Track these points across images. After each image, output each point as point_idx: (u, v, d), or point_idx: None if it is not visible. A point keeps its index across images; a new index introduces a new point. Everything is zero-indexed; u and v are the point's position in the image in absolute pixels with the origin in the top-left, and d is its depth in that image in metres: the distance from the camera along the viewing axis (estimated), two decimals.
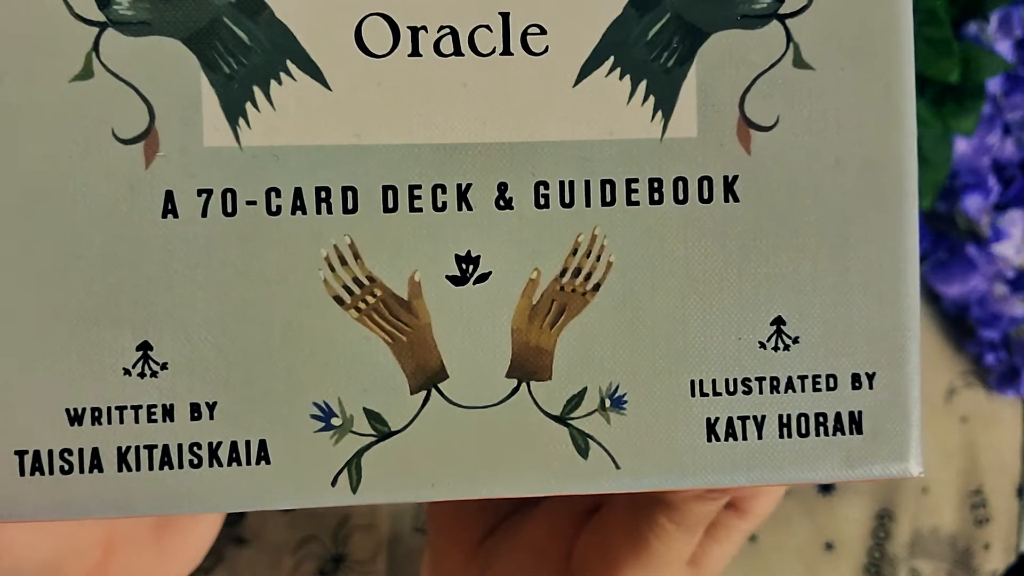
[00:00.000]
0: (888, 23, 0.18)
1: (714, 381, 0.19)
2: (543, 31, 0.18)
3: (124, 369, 0.18)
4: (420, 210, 0.18)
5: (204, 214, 0.18)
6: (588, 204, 0.19)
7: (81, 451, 0.18)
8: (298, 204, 0.18)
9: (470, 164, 0.18)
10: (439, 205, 0.18)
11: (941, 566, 0.68)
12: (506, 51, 0.18)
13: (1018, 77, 0.64)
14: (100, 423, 0.18)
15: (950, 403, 0.69)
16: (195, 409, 0.18)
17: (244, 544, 0.63)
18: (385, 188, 0.18)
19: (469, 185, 0.18)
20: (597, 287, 0.19)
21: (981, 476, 0.69)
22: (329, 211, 0.18)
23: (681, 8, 0.18)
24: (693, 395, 0.19)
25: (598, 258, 0.19)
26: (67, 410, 0.18)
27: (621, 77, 0.18)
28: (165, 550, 0.29)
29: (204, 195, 0.18)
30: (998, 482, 0.69)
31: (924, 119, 0.60)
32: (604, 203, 0.19)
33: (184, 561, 0.30)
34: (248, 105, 0.18)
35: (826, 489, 0.67)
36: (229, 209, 0.18)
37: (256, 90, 0.18)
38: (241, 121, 0.18)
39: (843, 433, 0.19)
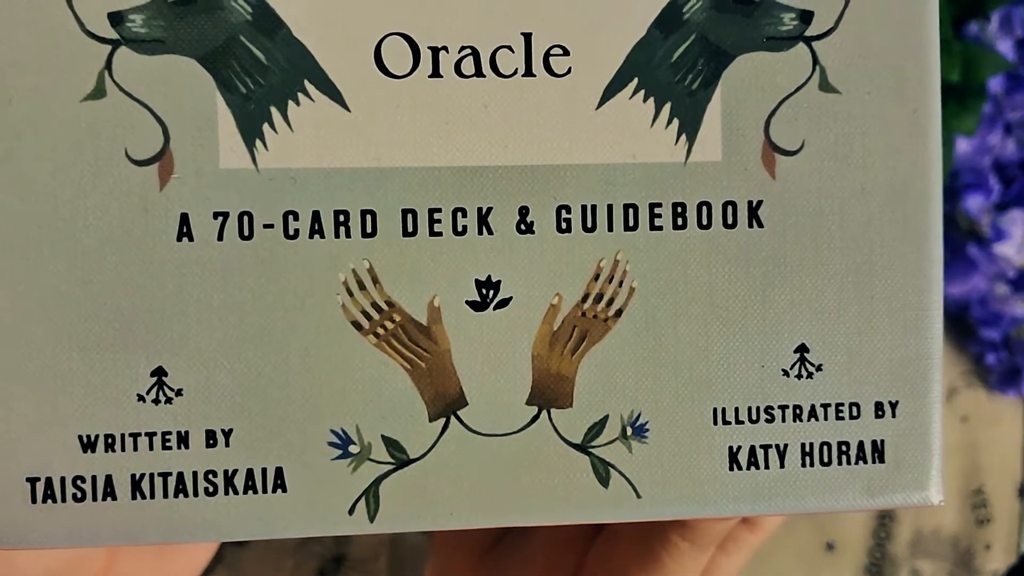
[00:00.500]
0: (917, 48, 0.18)
1: (737, 409, 0.19)
2: (566, 52, 0.18)
3: (138, 395, 0.18)
4: (440, 234, 0.18)
5: (220, 237, 0.18)
6: (611, 229, 0.18)
7: (94, 478, 0.18)
8: (316, 228, 0.18)
9: (491, 187, 0.18)
10: (459, 229, 0.18)
11: (942, 566, 0.68)
12: (528, 72, 0.18)
13: (1019, 76, 0.64)
14: (114, 450, 0.18)
15: (951, 403, 0.69)
16: (210, 436, 0.18)
17: (245, 544, 0.63)
18: (404, 212, 0.18)
19: (490, 209, 0.18)
20: (619, 313, 0.18)
21: (982, 476, 0.69)
22: (348, 235, 0.18)
23: (706, 30, 0.18)
24: (716, 423, 0.19)
25: (620, 284, 0.18)
26: (80, 437, 0.18)
27: (645, 99, 0.18)
28: (167, 558, 0.29)
29: (220, 218, 0.18)
30: (999, 482, 0.69)
31: None
32: (627, 228, 0.18)
33: (188, 569, 0.30)
34: (265, 126, 0.18)
35: None
36: (246, 232, 0.18)
37: (273, 111, 0.18)
38: (258, 142, 0.18)
39: (865, 462, 0.19)
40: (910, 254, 0.19)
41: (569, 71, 0.18)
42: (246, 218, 0.18)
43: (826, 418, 0.19)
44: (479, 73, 0.18)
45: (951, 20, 0.57)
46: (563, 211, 0.18)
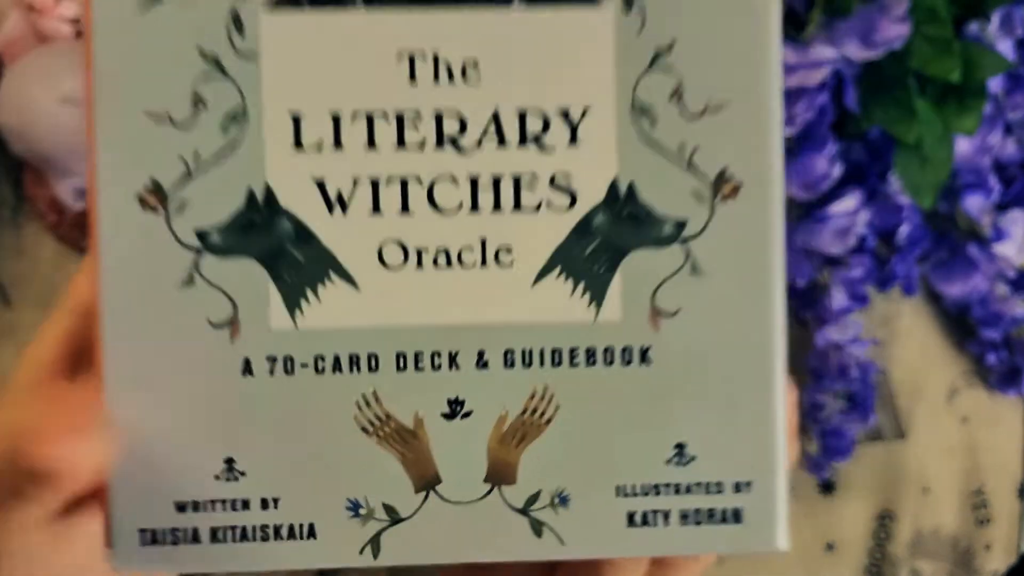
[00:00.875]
0: (762, 245, 0.26)
1: (633, 486, 0.27)
2: (510, 251, 0.26)
3: (215, 475, 0.27)
4: (422, 369, 0.27)
5: (271, 373, 0.27)
6: (542, 365, 0.27)
7: (185, 530, 0.27)
8: (337, 366, 0.27)
9: (458, 338, 0.27)
10: (436, 365, 0.27)
11: (942, 567, 0.68)
12: (483, 264, 0.26)
13: (1019, 76, 0.64)
14: (198, 511, 0.27)
15: (951, 403, 0.69)
16: (265, 503, 0.27)
17: None
18: (398, 354, 0.27)
19: (458, 352, 0.26)
20: (549, 421, 0.27)
21: (982, 476, 0.69)
22: (358, 371, 0.27)
23: (609, 234, 0.26)
24: (618, 496, 0.27)
25: (549, 402, 0.27)
26: (175, 502, 0.27)
27: (566, 280, 0.26)
28: None
29: (271, 361, 0.27)
30: (999, 482, 0.69)
31: (925, 118, 0.60)
32: (553, 364, 0.27)
33: None
34: (302, 300, 0.27)
35: (827, 490, 0.67)
36: (288, 370, 0.27)
37: (307, 291, 0.27)
38: (297, 311, 0.27)
39: (727, 523, 0.27)
40: (759, 385, 0.27)
41: (512, 263, 0.27)
42: (289, 361, 0.27)
43: (698, 493, 0.27)
44: (448, 265, 0.26)
45: (951, 20, 0.57)
46: (509, 353, 0.27)
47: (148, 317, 0.26)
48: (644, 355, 0.27)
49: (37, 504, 0.25)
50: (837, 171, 0.60)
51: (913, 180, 0.61)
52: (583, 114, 0.25)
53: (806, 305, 0.65)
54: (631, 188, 0.26)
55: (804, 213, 0.63)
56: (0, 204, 0.62)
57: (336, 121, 0.25)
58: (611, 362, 0.27)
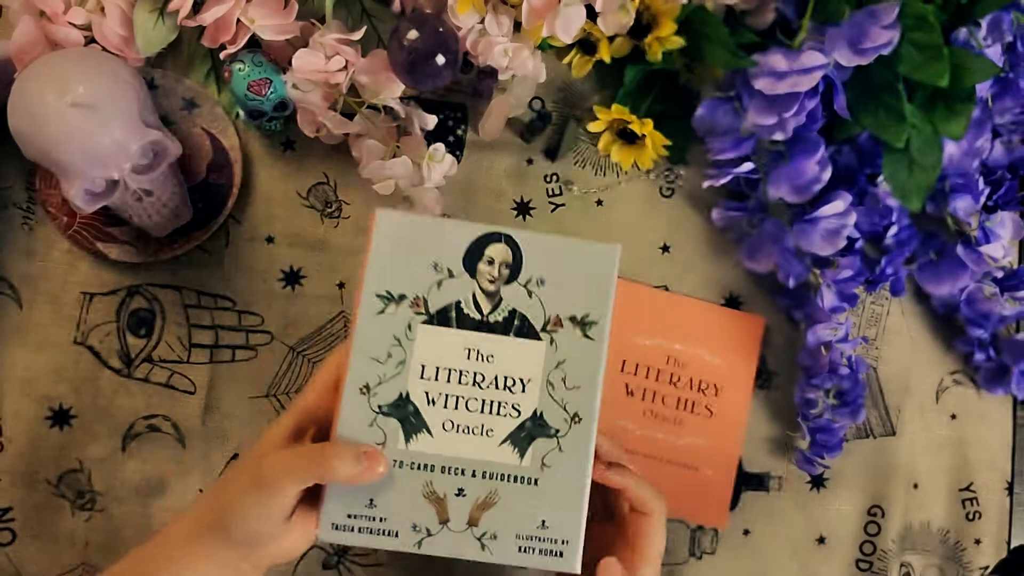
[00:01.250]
0: (585, 456, 0.52)
1: (519, 535, 0.51)
2: (491, 432, 0.52)
3: (364, 504, 0.52)
4: (448, 474, 0.51)
5: (401, 466, 0.51)
6: (496, 479, 0.51)
7: (352, 526, 0.51)
8: (418, 467, 0.51)
9: (465, 464, 0.51)
10: (453, 472, 0.51)
11: (932, 560, 0.69)
12: (482, 434, 0.52)
13: (1007, 81, 0.64)
14: (352, 519, 0.51)
15: (940, 400, 0.69)
16: (382, 519, 0.51)
17: None
18: (441, 468, 0.52)
19: (463, 470, 0.51)
20: (494, 504, 0.51)
21: (971, 472, 0.70)
22: (425, 470, 0.52)
23: (530, 431, 0.51)
24: (517, 539, 0.51)
25: (496, 493, 0.51)
26: (347, 514, 0.51)
27: (511, 446, 0.51)
28: (275, 542, 0.50)
29: (398, 464, 0.51)
30: (988, 478, 0.70)
31: (914, 122, 0.61)
32: (499, 479, 0.51)
33: (287, 553, 0.52)
34: (413, 436, 0.51)
35: (818, 484, 0.68)
36: (401, 465, 0.51)
37: (413, 433, 0.52)
38: (411, 440, 0.51)
39: (557, 557, 0.51)
40: (581, 498, 0.51)
41: (491, 433, 0.51)
42: (401, 463, 0.52)
43: (548, 543, 0.51)
44: (466, 432, 0.52)
45: (941, 26, 0.58)
46: (483, 473, 0.51)
47: (361, 424, 0.51)
48: (536, 481, 0.51)
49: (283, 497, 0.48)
50: (827, 175, 0.61)
51: (901, 184, 0.61)
52: (529, 380, 0.52)
53: (797, 305, 0.66)
54: (540, 414, 0.51)
55: (795, 215, 0.64)
56: (12, 206, 0.63)
57: (436, 373, 0.52)
58: (524, 481, 0.51)
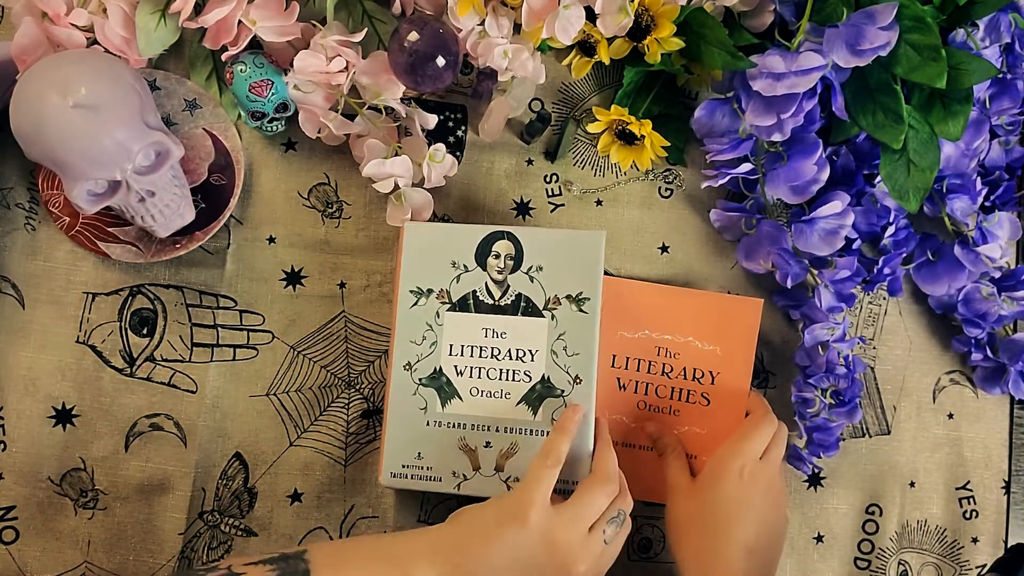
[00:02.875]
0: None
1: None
2: (509, 394, 0.63)
3: (413, 457, 0.64)
4: (478, 430, 0.63)
5: (439, 425, 0.63)
6: (517, 432, 0.62)
7: (405, 475, 0.63)
8: (454, 425, 0.63)
9: (493, 420, 0.62)
10: (483, 429, 0.63)
11: (929, 559, 0.69)
12: (503, 397, 0.63)
13: (1005, 82, 0.64)
14: (406, 468, 0.64)
15: (937, 400, 0.70)
16: (429, 468, 0.63)
17: (253, 535, 0.65)
18: (473, 425, 0.63)
19: (489, 426, 0.62)
20: (515, 453, 0.62)
21: (968, 471, 0.70)
22: (462, 427, 0.63)
23: (541, 393, 0.62)
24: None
25: (516, 445, 0.62)
26: (401, 463, 0.63)
27: (527, 406, 0.62)
28: None
29: (436, 423, 0.63)
30: (985, 477, 0.70)
31: (912, 123, 0.61)
32: (518, 432, 0.62)
33: None
34: (448, 402, 0.64)
35: (815, 483, 0.68)
36: (440, 424, 0.63)
37: (448, 400, 0.63)
38: (447, 405, 0.63)
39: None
40: (577, 438, 0.61)
41: (508, 396, 0.62)
42: (439, 422, 0.63)
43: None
44: (490, 396, 0.63)
45: (938, 27, 0.58)
46: (505, 428, 0.62)
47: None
48: (547, 433, 0.60)
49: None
50: (825, 175, 0.61)
51: (899, 185, 0.61)
52: (536, 351, 0.61)
53: (795, 305, 0.66)
54: (547, 378, 0.61)
55: (793, 216, 0.64)
56: (15, 207, 0.63)
57: (462, 350, 0.63)
58: (537, 433, 0.61)
